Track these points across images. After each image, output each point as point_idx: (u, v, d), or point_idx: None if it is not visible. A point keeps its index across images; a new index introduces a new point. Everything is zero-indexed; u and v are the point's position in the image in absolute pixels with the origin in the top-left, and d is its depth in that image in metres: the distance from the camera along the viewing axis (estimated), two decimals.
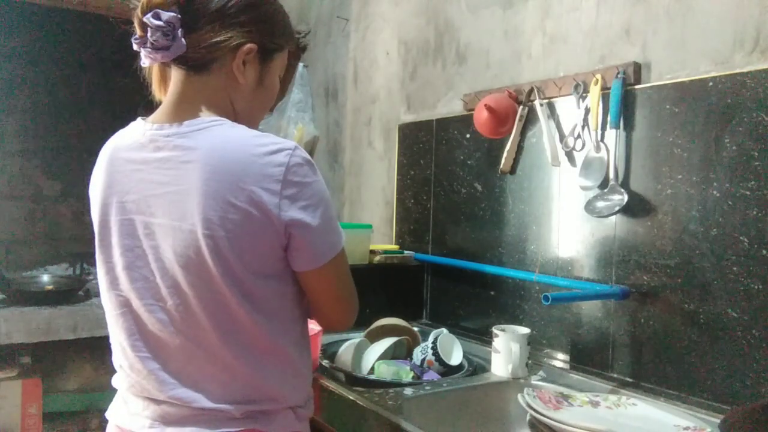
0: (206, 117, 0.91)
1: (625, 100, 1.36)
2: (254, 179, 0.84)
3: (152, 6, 0.88)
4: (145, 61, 0.93)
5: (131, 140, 0.94)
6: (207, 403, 0.89)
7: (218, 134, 0.88)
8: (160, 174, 0.89)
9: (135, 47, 0.92)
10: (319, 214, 0.88)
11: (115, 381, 1.00)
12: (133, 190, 0.91)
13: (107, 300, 0.96)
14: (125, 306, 0.93)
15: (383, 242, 2.15)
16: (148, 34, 0.88)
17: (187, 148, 0.87)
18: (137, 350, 0.92)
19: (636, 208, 1.34)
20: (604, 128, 1.40)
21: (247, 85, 0.96)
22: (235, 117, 0.95)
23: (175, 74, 0.95)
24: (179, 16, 0.88)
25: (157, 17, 0.87)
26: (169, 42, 0.88)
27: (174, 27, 0.88)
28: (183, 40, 0.89)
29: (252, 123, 0.99)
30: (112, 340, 0.98)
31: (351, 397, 1.25)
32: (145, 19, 0.88)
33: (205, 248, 0.84)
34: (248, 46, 0.93)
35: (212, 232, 0.84)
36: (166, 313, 0.90)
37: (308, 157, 0.88)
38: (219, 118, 0.91)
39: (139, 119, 0.97)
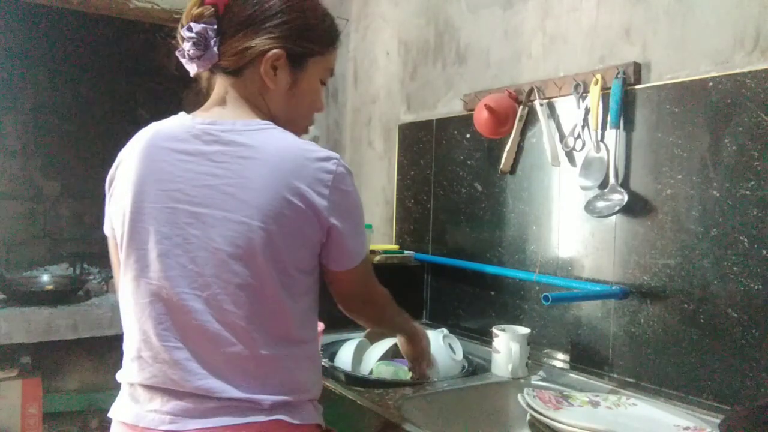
0: (257, 119, 0.96)
1: (625, 100, 1.36)
2: (307, 181, 0.90)
3: (189, 19, 0.94)
4: (188, 69, 0.99)
5: (177, 131, 0.96)
6: (236, 393, 0.90)
7: (272, 136, 0.93)
8: (211, 166, 0.92)
9: (179, 58, 0.98)
10: (356, 221, 0.97)
11: (124, 375, 0.98)
12: (179, 179, 0.92)
13: (133, 288, 0.95)
14: (155, 294, 0.92)
15: (383, 242, 2.15)
16: (183, 47, 0.95)
17: (243, 145, 0.92)
18: (165, 339, 0.92)
19: (636, 208, 1.34)
20: (604, 128, 1.40)
21: (279, 90, 0.99)
22: (273, 120, 0.98)
23: (219, 78, 1.01)
24: (215, 26, 0.94)
25: (189, 30, 0.93)
26: (201, 52, 0.94)
27: (205, 38, 0.94)
28: (215, 49, 0.95)
29: (294, 128, 1.01)
30: (131, 330, 0.96)
31: (351, 397, 1.25)
32: (181, 32, 0.95)
33: (258, 240, 0.88)
34: (273, 51, 0.96)
35: (267, 226, 0.88)
36: (203, 302, 0.90)
37: (347, 167, 0.95)
38: (268, 122, 0.96)
39: (182, 113, 1.00)
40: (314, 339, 1.01)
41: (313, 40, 1.01)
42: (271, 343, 0.92)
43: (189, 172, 0.92)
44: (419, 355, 1.32)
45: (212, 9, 0.94)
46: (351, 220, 0.96)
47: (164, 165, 0.93)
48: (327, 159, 0.93)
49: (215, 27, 0.94)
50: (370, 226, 1.96)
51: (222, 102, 0.99)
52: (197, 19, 0.93)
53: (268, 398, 0.91)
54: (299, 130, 1.04)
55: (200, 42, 0.93)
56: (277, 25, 0.96)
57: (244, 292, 0.90)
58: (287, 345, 0.94)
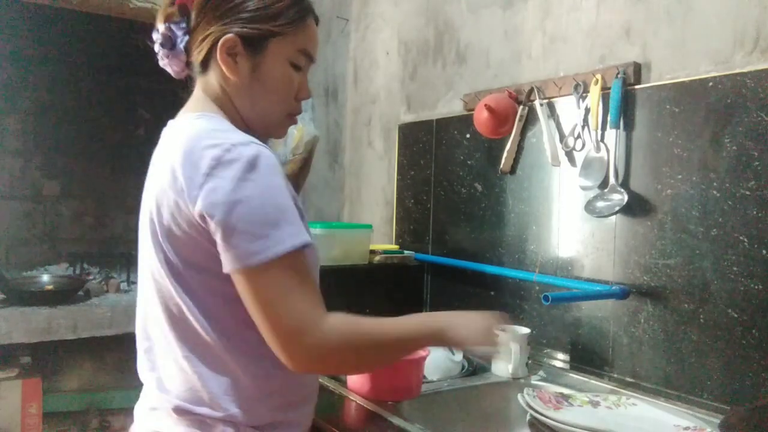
0: (197, 113, 0.94)
1: (625, 100, 1.36)
2: (186, 170, 0.83)
3: (160, 21, 0.94)
4: (171, 72, 0.98)
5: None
6: (154, 391, 0.93)
7: (185, 127, 0.90)
8: (152, 170, 0.95)
9: (159, 62, 0.98)
10: (236, 213, 0.80)
11: None
12: (146, 188, 0.97)
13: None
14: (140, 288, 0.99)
15: (383, 242, 2.15)
16: (155, 49, 0.95)
17: (167, 142, 0.92)
18: (140, 330, 0.98)
19: (636, 208, 1.34)
20: (604, 128, 1.40)
21: (241, 79, 0.93)
22: (240, 115, 0.96)
23: (196, 80, 0.99)
24: (183, 25, 0.93)
25: (157, 31, 0.94)
26: (168, 51, 0.94)
27: (169, 38, 0.93)
28: (181, 47, 0.94)
29: (268, 121, 0.97)
30: None
31: (351, 397, 1.25)
32: (153, 37, 0.96)
33: (150, 235, 0.90)
34: (224, 38, 0.91)
35: (153, 218, 0.88)
36: (145, 298, 0.95)
37: (251, 155, 0.82)
38: (204, 113, 0.93)
39: None
40: (243, 356, 0.89)
41: (270, 19, 0.93)
42: (185, 348, 0.89)
43: (149, 176, 0.96)
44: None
45: (178, 8, 0.93)
46: (224, 212, 0.80)
47: (150, 172, 0.99)
48: (216, 146, 0.83)
49: (184, 26, 0.93)
50: (370, 226, 1.96)
51: (191, 101, 0.98)
52: (167, 19, 0.93)
53: (177, 404, 0.89)
54: (276, 122, 0.99)
55: (166, 42, 0.93)
56: (229, 10, 0.92)
57: (156, 289, 0.91)
58: (201, 353, 0.88)
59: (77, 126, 2.73)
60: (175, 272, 0.87)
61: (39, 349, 2.01)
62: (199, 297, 0.87)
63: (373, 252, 1.89)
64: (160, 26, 0.93)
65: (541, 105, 1.55)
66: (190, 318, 0.88)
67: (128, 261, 2.38)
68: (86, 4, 2.09)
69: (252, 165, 0.82)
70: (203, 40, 0.93)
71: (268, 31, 0.93)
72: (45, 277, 2.33)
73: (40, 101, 2.67)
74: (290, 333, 0.82)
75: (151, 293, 0.92)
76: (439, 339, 0.96)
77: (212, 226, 0.82)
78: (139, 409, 0.97)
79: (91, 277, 2.38)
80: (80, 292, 2.15)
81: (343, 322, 0.86)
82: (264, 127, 0.98)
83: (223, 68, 0.92)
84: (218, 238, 0.82)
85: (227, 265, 0.83)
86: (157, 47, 0.94)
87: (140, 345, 0.97)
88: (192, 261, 0.86)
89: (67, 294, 2.11)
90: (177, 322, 0.89)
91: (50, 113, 2.69)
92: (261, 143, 0.86)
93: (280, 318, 0.82)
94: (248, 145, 0.83)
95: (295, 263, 0.83)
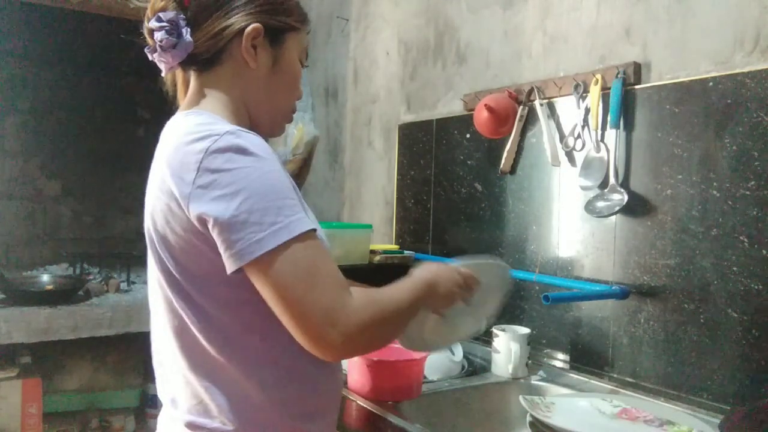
0: (187, 110, 0.90)
1: (625, 100, 1.36)
2: (174, 169, 0.79)
3: (155, 11, 0.88)
4: (161, 66, 0.92)
5: None
6: (168, 406, 0.91)
7: (174, 126, 0.87)
8: (151, 174, 0.91)
9: (149, 57, 0.92)
10: (235, 205, 0.75)
11: None
12: (147, 190, 0.93)
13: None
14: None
15: (383, 242, 2.15)
16: (155, 38, 0.88)
17: (161, 142, 0.89)
18: (152, 340, 0.95)
19: (636, 208, 1.34)
20: (604, 128, 1.40)
21: (260, 71, 0.92)
22: (248, 110, 0.94)
23: (192, 76, 0.94)
24: (182, 15, 0.88)
25: (159, 20, 0.87)
26: (175, 39, 0.87)
27: (177, 25, 0.88)
28: (189, 37, 0.88)
29: (274, 115, 0.97)
30: None
31: (351, 397, 1.25)
32: (150, 25, 0.88)
33: (149, 243, 0.87)
34: (252, 26, 0.89)
35: (149, 226, 0.86)
36: (153, 308, 0.93)
37: (241, 142, 0.79)
38: (195, 109, 0.90)
39: None
40: (246, 364, 0.85)
41: (288, 13, 0.95)
42: (190, 358, 0.86)
43: (148, 185, 0.93)
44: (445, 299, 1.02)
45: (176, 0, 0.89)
46: (225, 205, 0.76)
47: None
48: (203, 138, 0.79)
49: (182, 16, 0.88)
50: (370, 226, 1.96)
51: (188, 100, 0.93)
52: (164, 9, 0.88)
53: (188, 417, 0.87)
54: (282, 119, 0.99)
55: (173, 30, 0.87)
56: (248, 2, 0.91)
57: (160, 299, 0.88)
58: (207, 364, 0.85)
59: (77, 126, 2.73)
60: (173, 281, 0.84)
61: (39, 349, 2.02)
62: (198, 305, 0.83)
63: (373, 252, 1.89)
64: (165, 14, 0.87)
65: (541, 105, 1.55)
66: (192, 328, 0.84)
67: (128, 261, 2.38)
68: (86, 4, 2.09)
69: (244, 151, 0.78)
70: (223, 29, 0.89)
71: (288, 25, 0.95)
72: (45, 277, 2.33)
73: (40, 101, 2.67)
74: (319, 325, 0.75)
75: (159, 305, 0.89)
76: (430, 292, 0.98)
77: (211, 224, 0.77)
78: (161, 420, 0.94)
79: (91, 277, 2.38)
80: (80, 292, 2.15)
81: (366, 302, 0.80)
82: (271, 122, 0.97)
83: (247, 58, 0.90)
84: (219, 236, 0.77)
85: (233, 263, 0.76)
86: (160, 35, 0.87)
87: (154, 359, 0.94)
88: (190, 268, 0.82)
89: (67, 294, 2.11)
90: (180, 333, 0.86)
91: (50, 113, 2.69)
92: (252, 132, 0.82)
93: (306, 308, 0.75)
94: (236, 133, 0.80)
95: (308, 245, 0.78)
